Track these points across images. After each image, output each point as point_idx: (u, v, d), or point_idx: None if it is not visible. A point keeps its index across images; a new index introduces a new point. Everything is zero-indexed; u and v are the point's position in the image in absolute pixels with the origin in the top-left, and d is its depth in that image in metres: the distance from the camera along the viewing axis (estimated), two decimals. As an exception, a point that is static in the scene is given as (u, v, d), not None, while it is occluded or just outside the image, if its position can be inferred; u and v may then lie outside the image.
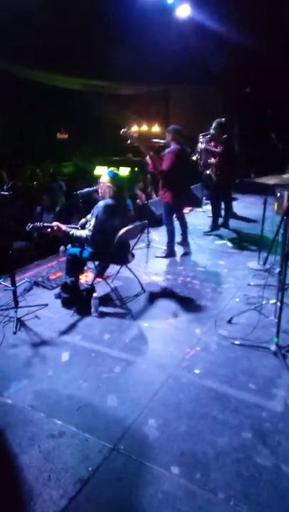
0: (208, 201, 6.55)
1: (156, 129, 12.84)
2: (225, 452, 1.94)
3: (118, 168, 10.38)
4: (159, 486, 1.76)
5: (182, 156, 4.53)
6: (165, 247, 4.82)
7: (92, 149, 13.02)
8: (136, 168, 10.62)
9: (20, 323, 3.16)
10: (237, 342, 2.85)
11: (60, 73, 9.71)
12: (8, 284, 3.29)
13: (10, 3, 6.54)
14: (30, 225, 3.25)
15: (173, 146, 4.51)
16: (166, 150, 4.53)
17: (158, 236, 5.51)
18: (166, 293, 3.77)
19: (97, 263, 3.66)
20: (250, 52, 8.00)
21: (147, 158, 4.56)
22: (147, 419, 2.16)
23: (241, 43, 7.88)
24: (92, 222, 3.27)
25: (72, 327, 3.16)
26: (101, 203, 3.32)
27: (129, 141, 4.46)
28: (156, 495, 1.72)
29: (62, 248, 4.87)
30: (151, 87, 11.14)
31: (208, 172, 6.20)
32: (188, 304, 3.51)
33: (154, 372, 2.57)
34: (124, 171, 11.61)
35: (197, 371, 2.55)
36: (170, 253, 4.75)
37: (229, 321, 3.14)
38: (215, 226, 5.75)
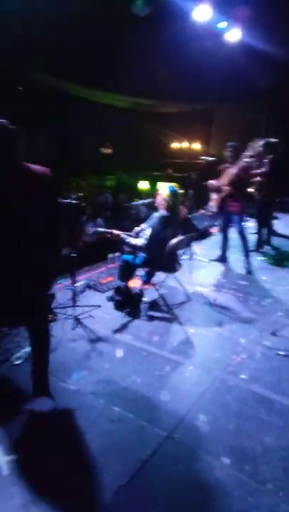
0: (250, 218, 6.69)
1: (197, 146, 13.16)
2: (272, 449, 2.09)
3: (157, 183, 10.69)
4: (211, 472, 1.94)
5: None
6: (206, 260, 5.04)
7: (134, 164, 13.51)
8: (176, 183, 10.94)
9: (77, 320, 3.45)
10: (281, 353, 2.98)
11: (107, 91, 10.29)
12: (68, 283, 3.61)
13: (69, 28, 7.14)
14: (92, 230, 3.57)
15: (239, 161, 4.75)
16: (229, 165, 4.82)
17: (200, 249, 5.72)
18: (211, 303, 3.95)
19: (146, 270, 3.92)
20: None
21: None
22: (198, 414, 2.35)
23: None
24: (148, 232, 3.54)
25: (123, 327, 3.41)
26: (156, 214, 3.59)
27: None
28: (209, 480, 1.91)
29: (110, 255, 5.18)
30: (195, 106, 11.51)
31: (250, 190, 6.37)
32: (232, 315, 3.68)
33: (201, 374, 2.76)
34: (144, 185, 11.99)
35: (243, 376, 2.71)
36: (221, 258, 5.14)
37: (273, 334, 3.27)
38: (260, 243, 5.84)
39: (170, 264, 3.80)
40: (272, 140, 5.67)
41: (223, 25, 7.25)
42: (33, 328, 2.35)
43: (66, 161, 13.16)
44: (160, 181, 11.39)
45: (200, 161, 5.36)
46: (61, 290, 3.91)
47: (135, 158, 14.07)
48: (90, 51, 8.61)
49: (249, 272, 4.79)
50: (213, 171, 5.13)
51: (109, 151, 14.85)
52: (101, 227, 5.29)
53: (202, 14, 6.43)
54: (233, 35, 7.38)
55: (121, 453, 2.06)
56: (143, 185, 11.90)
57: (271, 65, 8.92)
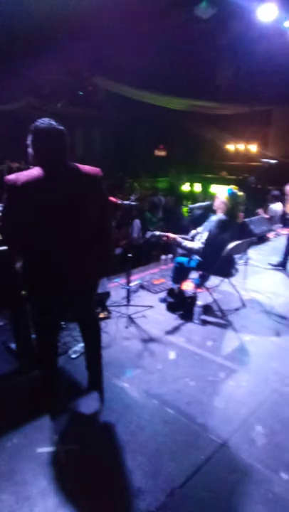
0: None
1: (254, 149, 12.79)
2: None
3: (210, 186, 10.51)
4: (269, 487, 1.86)
5: None
6: (263, 265, 4.85)
7: (187, 166, 13.45)
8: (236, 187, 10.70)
9: (131, 319, 3.49)
10: None
11: (168, 94, 10.33)
12: (123, 283, 3.67)
13: (126, 30, 7.26)
14: (150, 233, 3.59)
15: None
16: None
17: (256, 254, 5.53)
18: (267, 311, 3.80)
19: (200, 273, 3.86)
20: None
21: None
22: (254, 425, 2.26)
23: None
24: (205, 235, 3.49)
25: (176, 330, 3.39)
26: (214, 218, 3.53)
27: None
28: (267, 494, 1.82)
29: (163, 257, 5.19)
30: (254, 107, 11.19)
31: None
32: (291, 325, 3.51)
33: (258, 384, 2.66)
34: (197, 187, 11.77)
35: (303, 390, 2.57)
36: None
37: None
38: None
39: (226, 268, 3.72)
40: None
41: (288, 24, 6.97)
42: (84, 324, 2.40)
43: (121, 163, 13.47)
44: (214, 184, 11.24)
45: (258, 164, 5.18)
46: (116, 289, 3.98)
47: (189, 160, 14.01)
48: (150, 56, 8.73)
49: None
50: (273, 174, 4.94)
51: (162, 153, 14.94)
52: (138, 229, 5.30)
53: (267, 13, 6.24)
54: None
55: (175, 455, 2.04)
56: (196, 187, 11.81)
57: None
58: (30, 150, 1.99)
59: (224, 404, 2.44)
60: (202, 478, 1.91)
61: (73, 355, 2.83)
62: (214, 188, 10.35)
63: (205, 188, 11.51)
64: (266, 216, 7.00)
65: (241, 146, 13.35)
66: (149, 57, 8.79)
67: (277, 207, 7.33)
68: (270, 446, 2.11)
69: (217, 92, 10.37)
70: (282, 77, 8.90)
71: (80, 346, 2.89)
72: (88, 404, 2.38)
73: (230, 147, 13.84)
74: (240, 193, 3.58)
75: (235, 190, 3.56)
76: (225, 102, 10.74)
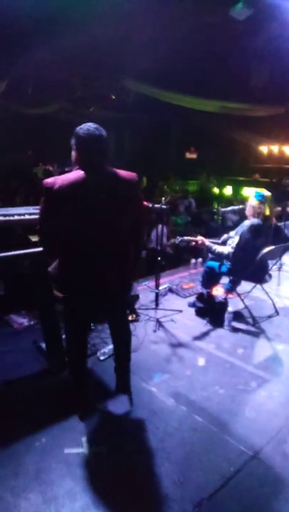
0: None
1: (288, 151, 12.44)
2: None
3: (242, 189, 10.32)
4: (303, 504, 1.77)
5: None
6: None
7: (219, 169, 13.27)
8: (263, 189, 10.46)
9: (159, 323, 3.46)
10: None
11: (200, 96, 10.27)
12: (152, 286, 3.65)
13: (156, 27, 7.24)
14: (180, 239, 3.56)
15: None
16: None
17: (290, 260, 5.35)
18: (301, 319, 3.66)
19: (231, 279, 3.78)
20: None
21: None
22: (287, 438, 2.17)
23: None
24: (236, 240, 3.41)
25: (205, 335, 3.33)
26: (247, 223, 3.44)
27: None
28: (301, 513, 1.74)
29: (193, 261, 5.14)
30: (288, 108, 10.89)
31: None
32: None
33: (291, 395, 2.55)
34: (228, 190, 11.52)
35: None
36: None
37: None
38: None
39: (259, 274, 3.61)
40: None
41: None
42: (115, 326, 2.40)
43: (152, 166, 13.49)
44: (246, 186, 11.03)
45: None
46: (144, 292, 3.97)
47: (220, 162, 13.82)
48: (183, 57, 8.69)
49: None
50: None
51: (194, 155, 14.84)
52: (163, 234, 5.22)
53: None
54: None
55: (203, 464, 1.99)
56: (227, 190, 11.63)
57: None
58: (73, 152, 2.04)
59: (255, 414, 2.36)
60: (232, 490, 1.85)
61: (102, 357, 2.84)
62: (246, 191, 10.14)
63: (237, 191, 11.31)
64: None
65: (275, 148, 13.03)
66: (182, 58, 8.75)
67: None
68: (304, 461, 2.02)
69: (251, 93, 10.17)
70: None
71: (108, 348, 2.90)
72: (118, 406, 2.37)
73: (264, 149, 13.53)
74: (268, 194, 3.46)
75: (263, 193, 3.45)
76: (259, 103, 10.52)
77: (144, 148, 14.18)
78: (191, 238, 3.64)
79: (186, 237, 3.62)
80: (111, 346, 2.88)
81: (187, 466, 1.97)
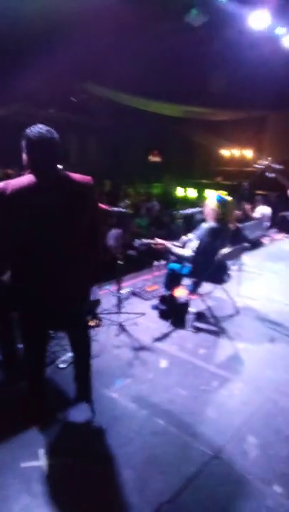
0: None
1: (248, 154, 12.85)
2: None
3: (205, 191, 10.53)
4: (262, 501, 1.79)
5: None
6: (259, 271, 4.80)
7: (182, 172, 13.48)
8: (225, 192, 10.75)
9: (122, 327, 3.42)
10: None
11: (162, 100, 10.37)
12: (113, 290, 3.61)
13: (120, 37, 7.28)
14: (139, 242, 3.55)
15: None
16: None
17: (250, 260, 5.49)
18: (261, 317, 3.75)
19: (193, 280, 3.81)
20: None
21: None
22: (246, 436, 2.20)
23: None
24: (196, 244, 3.44)
25: (168, 337, 3.33)
26: (205, 225, 3.48)
27: (267, 174, 4.24)
28: (260, 509, 1.76)
29: (156, 263, 5.14)
30: (250, 113, 11.25)
31: None
32: (285, 331, 3.46)
33: (251, 392, 2.60)
34: (192, 193, 11.77)
35: (297, 398, 2.52)
36: None
37: None
38: None
39: (219, 275, 3.67)
40: None
41: (281, 31, 7.02)
42: (74, 333, 2.34)
43: (116, 169, 13.49)
44: (209, 189, 11.26)
45: (252, 169, 5.14)
46: (106, 296, 3.92)
47: (184, 165, 14.04)
48: (143, 62, 8.75)
49: None
50: (267, 179, 4.86)
51: (157, 158, 14.98)
52: (115, 238, 5.22)
53: (259, 20, 6.27)
54: (291, 40, 7.09)
55: (164, 468, 1.97)
56: (190, 193, 11.82)
57: None
58: (24, 155, 1.98)
59: (216, 414, 2.38)
60: (192, 491, 1.85)
61: (61, 365, 2.76)
62: (207, 194, 10.36)
63: (200, 194, 11.52)
64: (254, 215, 7.02)
65: (236, 152, 13.41)
66: (142, 63, 8.82)
67: (264, 209, 7.36)
68: (263, 457, 2.05)
69: (211, 98, 10.39)
70: (275, 83, 8.94)
71: (68, 356, 2.82)
72: (79, 414, 2.31)
73: (226, 153, 13.89)
74: (230, 199, 3.54)
75: (225, 197, 3.52)
76: (220, 107, 10.78)
77: (108, 152, 14.15)
78: (151, 241, 3.64)
79: (145, 240, 3.62)
80: (70, 354, 2.82)
81: (148, 470, 1.95)
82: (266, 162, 4.52)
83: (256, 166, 5.04)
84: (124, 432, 2.19)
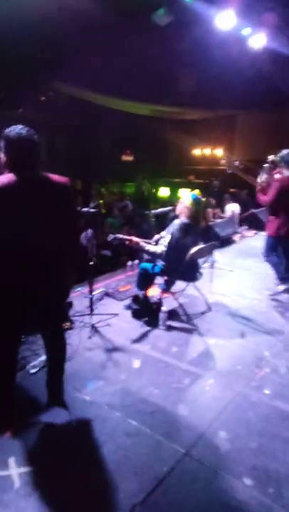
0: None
1: (219, 153, 13.04)
2: (298, 473, 1.95)
3: (178, 190, 10.65)
4: (233, 494, 1.83)
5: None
6: (230, 268, 4.90)
7: (155, 171, 13.52)
8: (198, 190, 10.89)
9: (94, 329, 3.40)
10: (307, 367, 2.82)
11: (131, 99, 10.36)
12: (85, 292, 3.58)
13: (88, 36, 7.24)
14: (113, 236, 3.54)
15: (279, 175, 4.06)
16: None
17: (222, 257, 5.59)
18: (232, 313, 3.82)
19: (165, 279, 3.83)
20: None
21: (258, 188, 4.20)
22: (218, 431, 2.23)
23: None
24: (168, 238, 3.47)
25: (141, 337, 3.33)
26: (177, 221, 3.52)
27: (229, 171, 4.33)
28: (231, 502, 1.79)
29: (129, 263, 5.14)
30: (219, 112, 11.42)
31: None
32: (256, 326, 3.54)
33: (222, 388, 2.64)
34: (165, 192, 11.89)
35: (267, 391, 2.58)
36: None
37: (298, 346, 3.12)
38: None
39: (190, 272, 3.71)
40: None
41: (247, 31, 7.15)
42: (49, 336, 2.32)
43: (88, 169, 13.35)
44: (182, 188, 11.35)
45: (223, 168, 5.25)
46: (79, 298, 3.88)
47: (157, 164, 14.08)
48: (111, 60, 8.72)
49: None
50: (237, 177, 4.97)
51: (130, 158, 14.95)
52: (88, 239, 5.21)
53: (226, 21, 6.36)
54: (258, 41, 7.25)
55: (137, 469, 1.97)
56: (164, 192, 11.88)
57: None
58: (1, 155, 1.97)
59: (188, 411, 2.40)
60: (164, 490, 1.86)
61: (32, 370, 2.71)
62: (182, 193, 10.46)
63: (173, 193, 11.60)
64: (222, 214, 7.17)
65: (207, 151, 13.58)
66: (110, 62, 8.78)
67: (233, 207, 7.51)
68: (233, 451, 2.09)
69: (181, 98, 10.47)
70: (243, 83, 9.12)
71: (39, 360, 2.77)
72: (50, 419, 2.27)
73: (197, 152, 14.05)
74: (204, 199, 3.61)
75: (199, 196, 3.58)
76: (189, 107, 10.88)
77: (80, 151, 13.97)
78: (124, 237, 3.65)
79: (118, 235, 3.62)
80: (42, 358, 2.77)
81: (120, 473, 1.94)
82: (225, 160, 4.62)
83: (221, 163, 5.12)
84: (97, 436, 2.18)
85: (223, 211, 7.62)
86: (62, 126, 12.65)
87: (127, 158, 15.04)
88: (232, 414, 2.37)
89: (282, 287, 4.17)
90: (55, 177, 2.04)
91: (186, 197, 3.63)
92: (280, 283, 4.22)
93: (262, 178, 4.24)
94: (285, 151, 4.41)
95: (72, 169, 13.05)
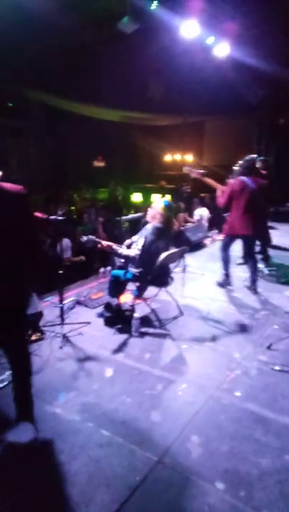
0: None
1: (189, 158, 13.25)
2: (268, 473, 1.98)
3: (151, 195, 10.71)
4: (204, 499, 1.83)
5: (242, 189, 4.33)
6: (201, 272, 4.98)
7: (127, 177, 13.55)
8: (169, 195, 11.01)
9: (66, 338, 3.34)
10: (277, 368, 2.89)
11: (100, 106, 10.37)
12: (56, 301, 3.52)
13: (59, 40, 7.22)
14: (86, 238, 3.52)
15: (234, 180, 4.45)
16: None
17: (193, 261, 5.65)
18: (204, 317, 3.86)
19: (137, 285, 3.83)
20: (288, 85, 8.26)
21: (218, 192, 4.55)
22: (190, 436, 2.24)
23: (278, 76, 8.20)
24: (141, 242, 3.48)
25: (114, 345, 3.30)
26: (150, 225, 3.55)
27: (193, 176, 4.61)
28: (203, 507, 1.79)
29: (102, 270, 5.11)
30: (187, 119, 11.62)
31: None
32: (226, 329, 3.59)
33: (194, 392, 2.65)
34: (138, 197, 11.98)
35: (238, 394, 2.61)
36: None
37: (268, 347, 3.19)
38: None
39: (162, 278, 3.73)
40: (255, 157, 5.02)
41: (211, 40, 7.34)
42: (9, 349, 2.24)
43: (60, 175, 13.20)
44: (154, 193, 11.43)
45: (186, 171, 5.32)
46: (49, 307, 3.81)
47: (129, 170, 14.13)
48: (81, 67, 8.71)
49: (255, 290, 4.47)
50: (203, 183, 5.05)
51: (101, 164, 14.92)
52: (68, 248, 5.18)
53: (190, 30, 6.50)
54: (222, 49, 7.45)
55: (109, 480, 1.94)
56: (136, 197, 11.91)
57: (260, 79, 9.05)
58: None
59: (161, 417, 2.40)
60: (137, 500, 1.84)
61: (0, 385, 2.63)
62: (154, 198, 10.54)
63: (146, 198, 11.64)
64: (192, 220, 7.27)
65: (178, 157, 13.77)
66: (79, 68, 8.77)
67: (201, 211, 7.65)
68: (205, 455, 2.10)
69: (150, 104, 10.58)
70: (209, 90, 9.33)
71: (7, 374, 2.69)
72: (19, 435, 2.20)
73: (168, 157, 14.21)
74: (174, 205, 3.68)
75: (171, 202, 3.65)
76: (158, 113, 11.01)
77: (50, 157, 13.81)
78: (98, 240, 3.63)
79: (92, 237, 3.61)
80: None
81: (92, 485, 1.91)
82: (188, 167, 4.80)
83: (185, 168, 5.21)
84: (68, 449, 2.13)
85: (191, 215, 7.72)
86: (33, 132, 12.47)
87: (99, 164, 15.00)
88: (204, 418, 2.38)
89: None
90: (8, 185, 1.95)
91: (158, 202, 3.67)
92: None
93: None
94: (248, 157, 4.59)
95: (44, 176, 12.89)
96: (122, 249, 3.63)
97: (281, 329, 3.54)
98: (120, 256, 3.63)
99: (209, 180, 4.62)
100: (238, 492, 1.87)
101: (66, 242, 5.81)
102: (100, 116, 11.12)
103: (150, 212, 3.67)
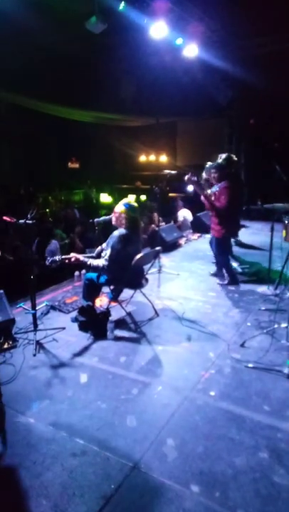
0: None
1: (163, 159, 13.30)
2: (243, 471, 1.99)
3: (127, 196, 10.71)
4: (180, 503, 1.82)
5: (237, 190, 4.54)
6: (176, 272, 4.99)
7: (103, 177, 13.47)
8: (144, 196, 11.00)
9: (40, 345, 3.27)
10: (250, 365, 2.92)
11: (72, 106, 10.24)
12: (28, 307, 3.43)
13: (28, 40, 7.09)
14: (50, 259, 3.44)
15: (224, 182, 4.45)
16: (219, 185, 4.48)
17: (168, 262, 5.67)
18: (179, 317, 3.87)
19: (112, 288, 3.80)
20: (256, 86, 8.41)
21: (202, 197, 4.51)
22: (165, 439, 2.23)
23: (246, 77, 8.34)
24: (108, 252, 3.43)
25: (89, 350, 3.26)
26: (116, 233, 3.49)
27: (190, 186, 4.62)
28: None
29: (76, 273, 5.04)
30: (159, 120, 11.66)
31: None
32: (201, 328, 3.61)
33: (170, 394, 2.65)
34: (107, 198, 11.93)
35: (212, 393, 2.63)
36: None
37: (242, 345, 3.22)
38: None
39: (136, 280, 3.71)
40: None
41: (179, 41, 7.38)
42: None
43: (33, 177, 12.97)
44: (129, 194, 11.42)
45: (165, 174, 5.35)
46: (22, 314, 3.72)
47: (104, 171, 14.04)
48: (52, 67, 8.57)
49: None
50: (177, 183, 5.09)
51: (76, 165, 14.76)
52: (56, 250, 5.11)
53: (158, 31, 6.50)
54: (190, 51, 7.50)
55: (84, 490, 1.90)
56: (106, 198, 11.87)
57: (228, 80, 9.19)
58: None
59: (136, 422, 2.37)
60: (112, 509, 1.81)
61: None
62: (118, 203, 10.50)
63: (121, 199, 11.61)
64: (176, 224, 7.28)
65: (152, 157, 13.80)
66: (54, 67, 8.64)
67: (185, 212, 7.68)
68: (180, 458, 2.09)
69: (122, 105, 10.55)
70: (180, 91, 9.39)
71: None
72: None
73: (143, 158, 14.23)
74: (136, 205, 3.62)
75: (132, 203, 3.59)
76: (131, 114, 10.99)
77: (23, 159, 13.54)
78: (63, 256, 3.56)
79: (56, 258, 3.53)
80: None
81: (66, 497, 1.87)
82: (167, 171, 4.81)
83: (165, 171, 5.26)
84: (41, 460, 2.08)
85: (175, 218, 7.69)
86: (5, 133, 12.20)
87: (73, 165, 14.84)
88: (179, 420, 2.38)
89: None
90: None
91: (118, 206, 3.60)
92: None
93: (213, 189, 4.48)
94: (223, 155, 4.66)
95: (15, 178, 12.63)
96: (91, 260, 3.55)
97: (254, 326, 3.59)
98: (89, 267, 3.56)
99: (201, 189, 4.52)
100: (214, 493, 1.87)
101: (55, 244, 5.71)
102: (73, 117, 10.99)
103: (114, 216, 3.61)
